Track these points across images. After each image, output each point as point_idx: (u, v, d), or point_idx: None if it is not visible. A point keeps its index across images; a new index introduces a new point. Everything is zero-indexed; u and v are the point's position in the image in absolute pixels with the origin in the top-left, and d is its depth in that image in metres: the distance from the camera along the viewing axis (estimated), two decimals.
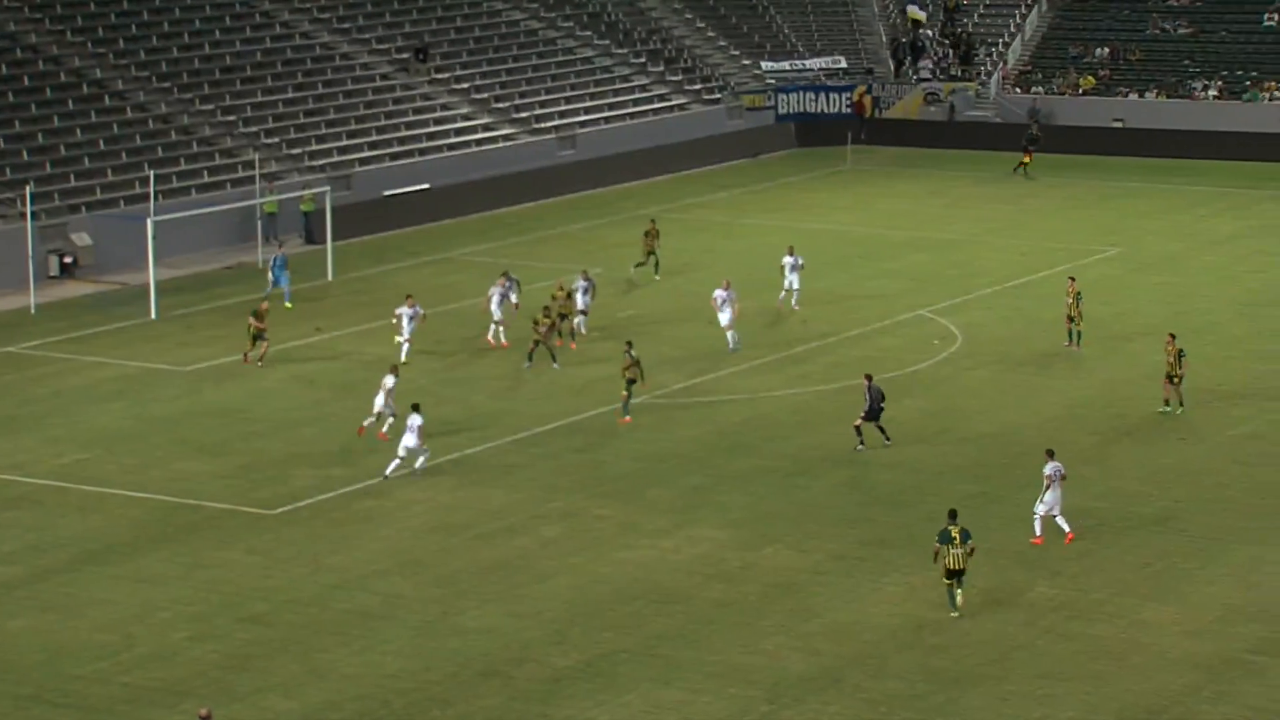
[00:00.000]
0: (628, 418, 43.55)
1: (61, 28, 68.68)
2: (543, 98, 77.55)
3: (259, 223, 62.56)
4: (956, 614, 32.28)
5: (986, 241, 64.10)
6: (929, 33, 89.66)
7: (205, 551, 35.56)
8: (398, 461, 39.53)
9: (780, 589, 33.62)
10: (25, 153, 62.17)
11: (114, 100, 66.57)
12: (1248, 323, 52.75)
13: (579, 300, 50.78)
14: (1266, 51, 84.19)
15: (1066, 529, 35.68)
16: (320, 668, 30.33)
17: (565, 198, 72.47)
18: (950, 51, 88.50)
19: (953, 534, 32.32)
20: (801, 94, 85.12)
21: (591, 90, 79.62)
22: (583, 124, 77.09)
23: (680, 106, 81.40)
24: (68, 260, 59.30)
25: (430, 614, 32.53)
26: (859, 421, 41.09)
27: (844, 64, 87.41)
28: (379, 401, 42.11)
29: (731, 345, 48.97)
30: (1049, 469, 35.82)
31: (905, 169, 78.90)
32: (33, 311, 54.91)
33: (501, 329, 49.97)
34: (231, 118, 68.21)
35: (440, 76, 75.95)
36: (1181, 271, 59.37)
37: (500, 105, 75.92)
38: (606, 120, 78.15)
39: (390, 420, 42.01)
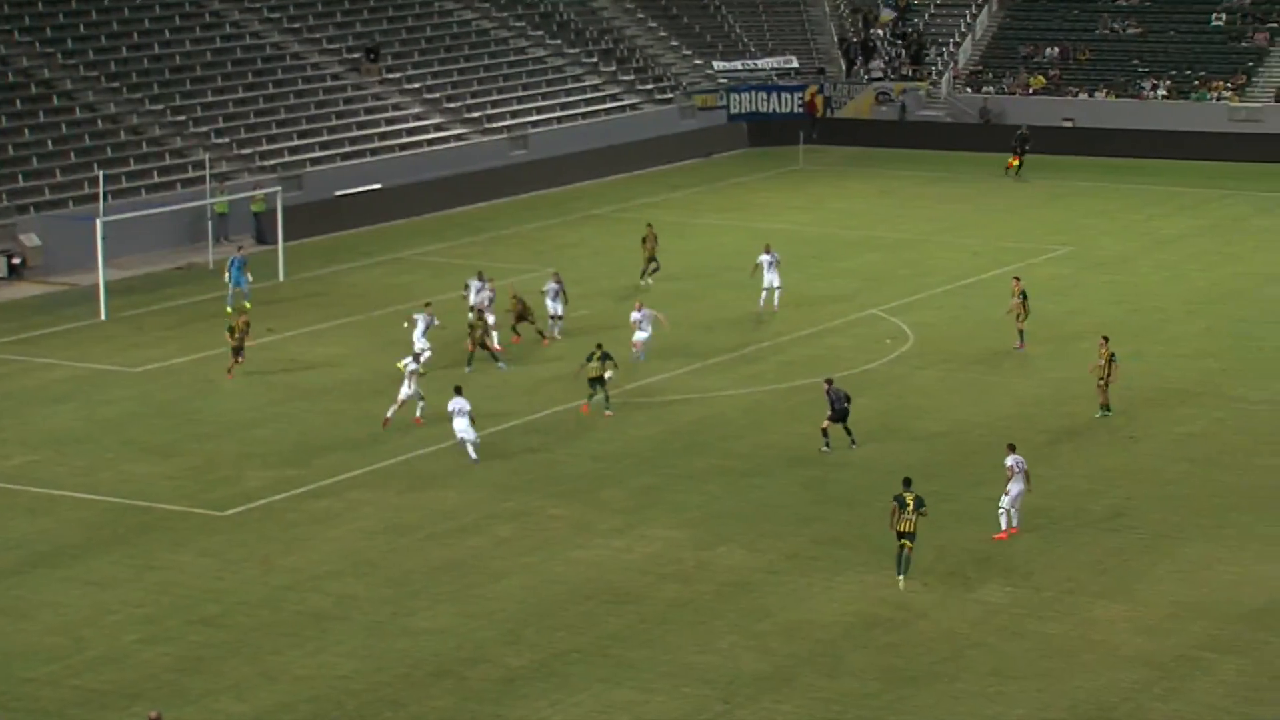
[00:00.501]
0: (608, 412, 43.95)
1: (9, 27, 68.27)
2: (495, 98, 77.47)
3: (209, 223, 62.31)
4: (903, 578, 33.34)
5: (938, 241, 64.32)
6: (880, 32, 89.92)
7: (156, 553, 35.40)
8: (469, 443, 40.36)
9: (734, 588, 33.65)
10: None
11: (63, 100, 66.22)
12: (1197, 321, 53.06)
13: (549, 304, 50.26)
14: (1214, 51, 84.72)
15: (1014, 523, 35.82)
16: (272, 669, 30.23)
17: (518, 198, 72.42)
18: (901, 51, 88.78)
19: (907, 499, 33.63)
20: (753, 94, 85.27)
21: (544, 90, 79.58)
22: (535, 124, 77.04)
23: (632, 106, 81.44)
24: (16, 261, 58.96)
25: (383, 614, 32.46)
26: (826, 424, 41.14)
27: (796, 64, 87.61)
28: (404, 390, 42.68)
29: (634, 356, 47.42)
30: (1009, 461, 35.96)
31: (857, 168, 79.11)
32: None
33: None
34: (181, 118, 67.92)
35: (392, 76, 75.80)
36: (1131, 270, 59.68)
37: (452, 105, 75.81)
38: (559, 120, 78.12)
39: (421, 405, 42.74)
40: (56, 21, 69.70)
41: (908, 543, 33.70)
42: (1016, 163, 75.65)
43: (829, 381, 41.59)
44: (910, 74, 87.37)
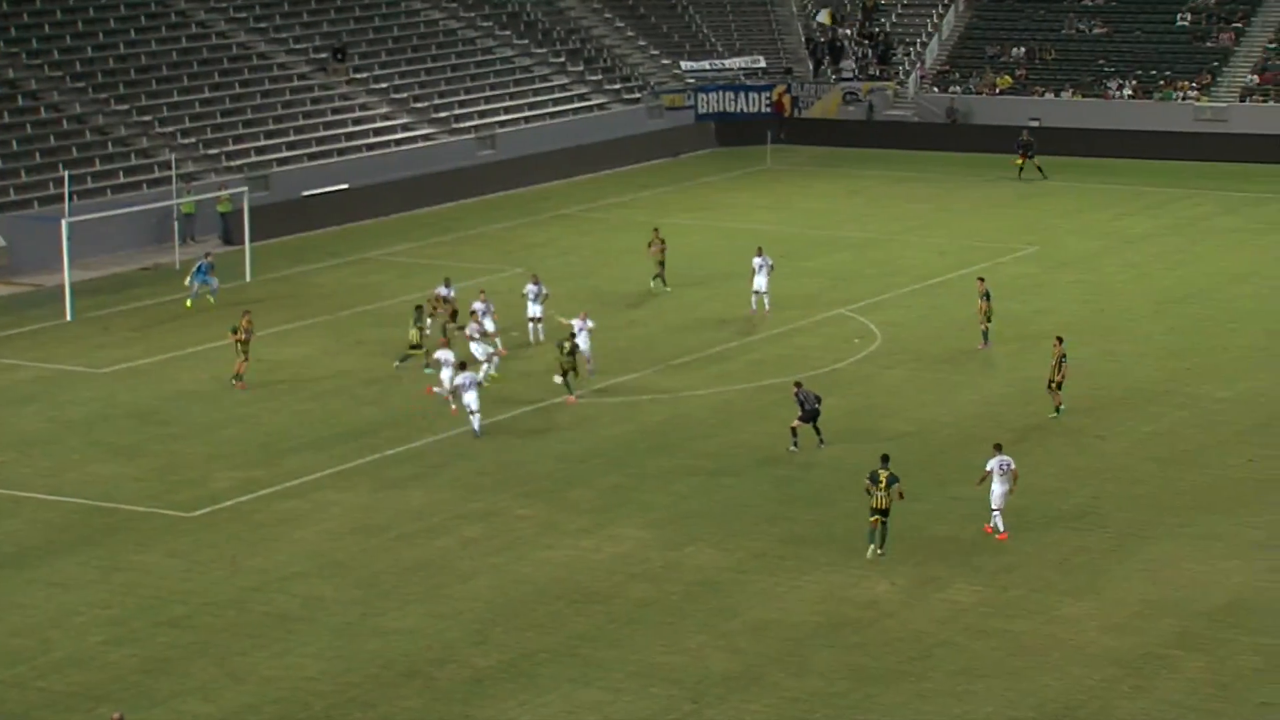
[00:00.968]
0: (572, 397, 44.34)
1: None
2: (462, 97, 77.39)
3: (176, 223, 62.13)
4: (881, 551, 34.49)
5: (905, 240, 64.44)
6: (847, 32, 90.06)
7: (123, 554, 35.27)
8: (475, 415, 41.94)
9: (702, 588, 33.67)
10: None
11: (27, 100, 65.94)
12: (1163, 320, 53.25)
13: (530, 307, 49.97)
14: (1180, 51, 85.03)
15: (998, 526, 35.87)
16: (239, 671, 30.14)
17: (485, 198, 72.36)
18: (868, 51, 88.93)
19: (880, 477, 34.58)
20: (721, 93, 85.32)
21: (511, 90, 79.52)
22: (502, 124, 76.98)
23: (600, 106, 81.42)
24: None
25: (351, 615, 32.39)
26: (795, 423, 41.19)
27: (763, 63, 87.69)
28: (446, 377, 43.36)
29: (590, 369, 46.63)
30: (992, 463, 35.95)
31: (825, 168, 79.21)
32: None
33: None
34: (147, 118, 67.70)
35: (358, 76, 75.66)
36: (1097, 270, 59.86)
37: (419, 105, 75.71)
38: (526, 120, 78.07)
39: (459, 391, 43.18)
40: (21, 21, 69.42)
41: (881, 519, 34.64)
42: (1020, 162, 75.42)
43: (798, 384, 41.63)
44: (878, 74, 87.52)
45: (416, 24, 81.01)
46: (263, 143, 69.40)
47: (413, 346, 47.24)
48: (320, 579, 34.05)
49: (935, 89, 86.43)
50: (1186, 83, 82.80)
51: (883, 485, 34.62)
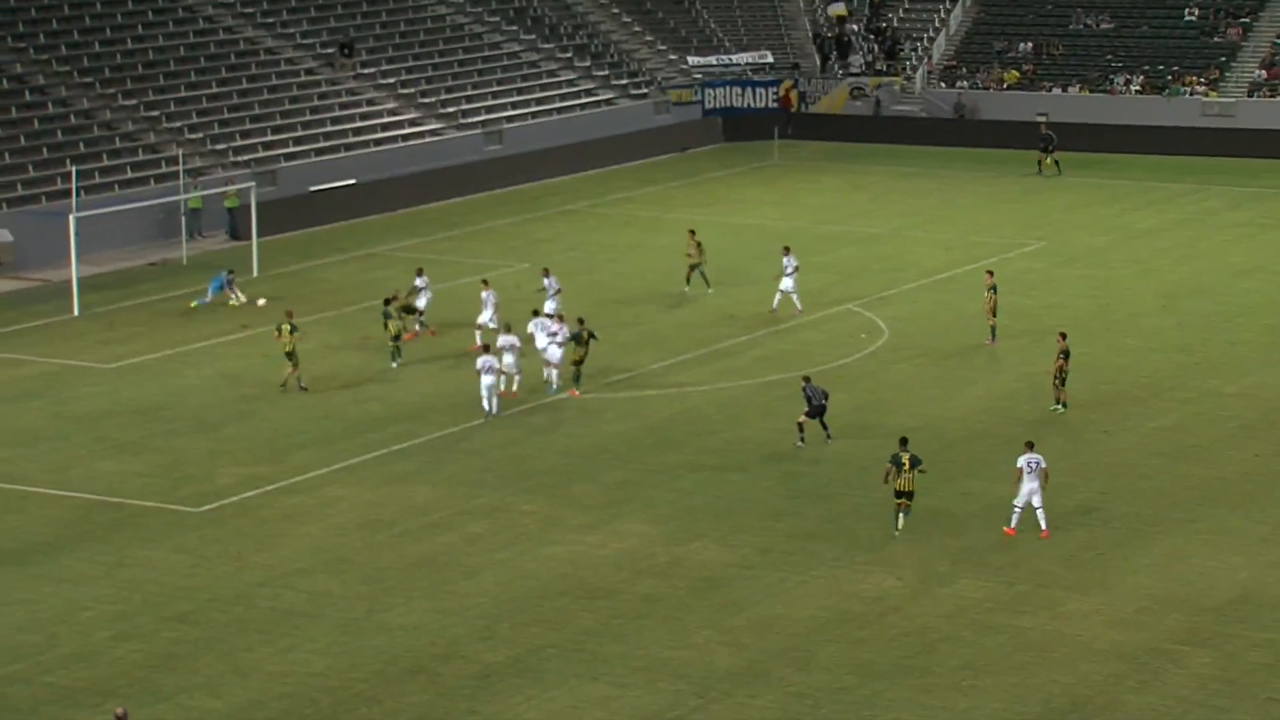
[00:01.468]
0: (568, 390, 44.53)
1: None
2: (469, 93, 77.37)
3: (183, 219, 62.15)
4: (897, 534, 35.15)
5: (912, 235, 64.39)
6: (854, 27, 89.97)
7: (129, 550, 35.29)
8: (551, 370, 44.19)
9: (707, 583, 33.65)
10: None
11: (35, 96, 65.98)
12: (1170, 315, 53.17)
13: (548, 303, 49.93)
14: (1188, 46, 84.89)
15: (1043, 525, 35.66)
16: (245, 666, 30.15)
17: (492, 193, 72.33)
18: (875, 46, 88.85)
19: (903, 459, 35.33)
20: (728, 89, 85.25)
21: (518, 85, 79.49)
22: (509, 119, 76.95)
23: (607, 101, 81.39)
24: None
25: (356, 611, 32.39)
26: (802, 419, 41.17)
27: (770, 59, 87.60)
28: (510, 362, 44.05)
29: (553, 387, 45.46)
30: (1022, 460, 35.79)
31: (831, 163, 79.15)
32: None
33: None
34: (155, 113, 67.73)
35: (366, 71, 75.65)
36: (1104, 265, 59.80)
37: (426, 100, 75.69)
38: (533, 115, 78.04)
39: (518, 378, 44.37)
40: (29, 17, 69.44)
41: (906, 500, 35.38)
42: (1045, 159, 75.26)
43: (806, 379, 41.61)
44: (885, 69, 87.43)
45: (424, 19, 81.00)
46: (270, 138, 69.41)
47: (394, 338, 47.52)
48: (326, 575, 34.06)
49: (942, 84, 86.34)
50: (1194, 78, 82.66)
51: (906, 467, 35.40)
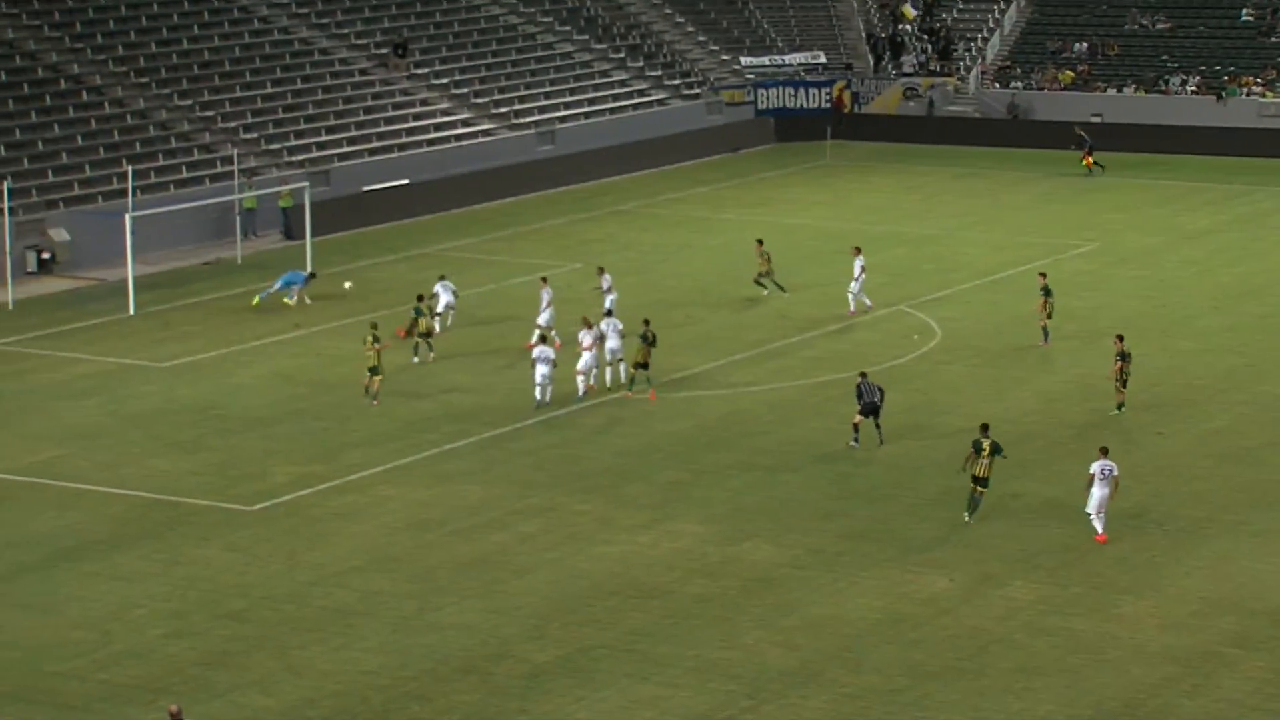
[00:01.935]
0: (637, 391, 44.59)
1: (39, 23, 68.51)
2: (522, 93, 77.52)
3: (237, 219, 62.47)
4: (969, 520, 35.76)
5: (964, 236, 64.21)
6: (908, 28, 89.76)
7: (182, 548, 35.49)
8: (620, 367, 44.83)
9: (759, 584, 33.63)
10: (2, 148, 62.00)
11: (92, 96, 66.43)
12: (1223, 317, 52.88)
13: (607, 301, 50.16)
14: (1244, 46, 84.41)
15: (1099, 528, 35.37)
16: (298, 665, 30.29)
17: (544, 193, 72.44)
18: (929, 46, 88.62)
19: (983, 445, 35.84)
20: (781, 89, 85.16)
21: (571, 85, 79.60)
22: (562, 119, 77.07)
23: (659, 102, 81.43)
24: (45, 256, 59.16)
25: (408, 610, 32.50)
26: (857, 419, 41.13)
27: (823, 59, 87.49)
28: (589, 358, 44.45)
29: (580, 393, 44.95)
30: (1094, 467, 35.50)
31: (883, 164, 78.98)
32: (10, 307, 54.78)
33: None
34: (210, 113, 68.09)
35: (419, 72, 75.89)
36: (1157, 266, 59.51)
37: (479, 100, 75.88)
38: (586, 115, 78.14)
39: (594, 371, 44.73)
40: (85, 17, 69.93)
41: (980, 488, 35.74)
42: (1089, 162, 75.05)
43: (863, 375, 41.65)
44: (938, 69, 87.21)
45: (477, 19, 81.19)
46: (324, 138, 69.70)
47: (423, 335, 47.89)
48: (377, 573, 34.18)
49: (996, 84, 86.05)
50: (1250, 79, 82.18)
51: (986, 453, 35.77)
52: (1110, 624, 31.83)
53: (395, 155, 70.56)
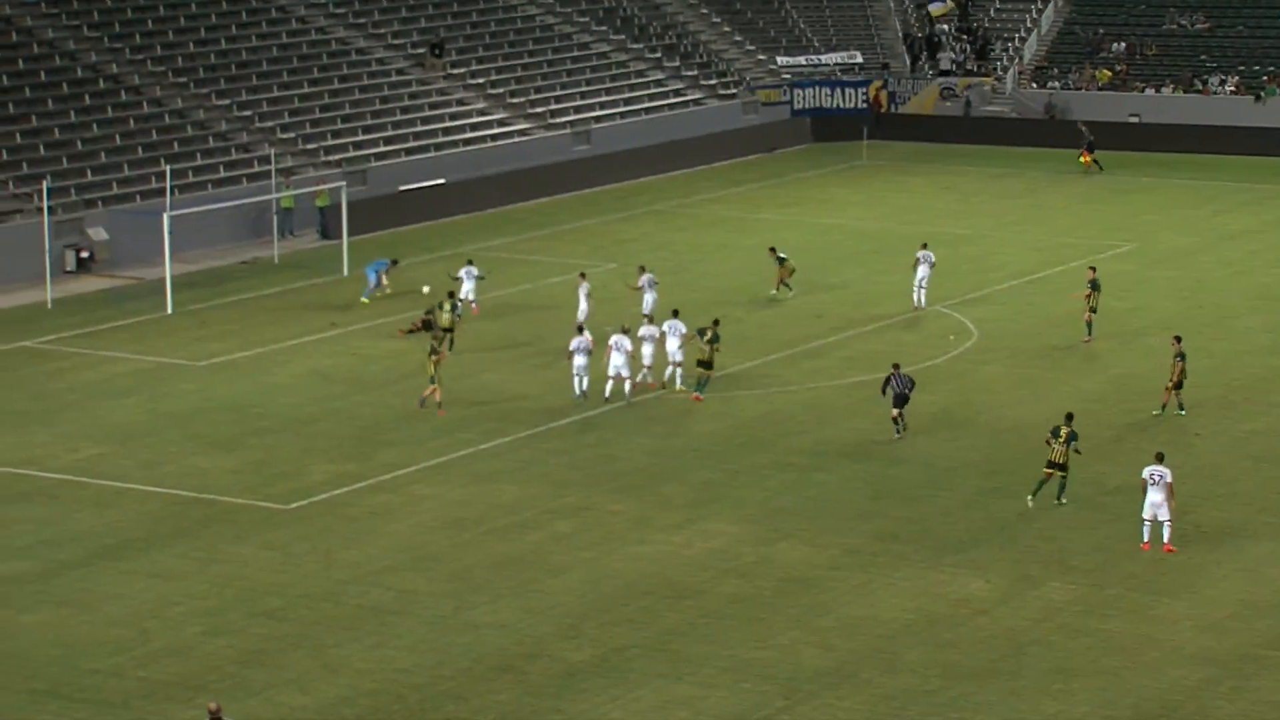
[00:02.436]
0: (688, 387, 44.64)
1: (78, 23, 68.82)
2: (558, 93, 77.59)
3: (275, 218, 62.67)
4: (1060, 501, 36.76)
5: (1000, 237, 64.06)
6: (945, 28, 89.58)
7: (220, 546, 35.63)
8: (675, 370, 44.97)
9: (794, 584, 33.62)
10: (42, 148, 62.31)
11: (130, 96, 66.70)
12: (1261, 318, 52.66)
13: (647, 300, 50.17)
14: None
15: (1164, 536, 35.04)
16: (334, 663, 30.38)
17: (580, 193, 72.49)
18: (966, 46, 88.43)
19: (1061, 432, 36.87)
20: (817, 89, 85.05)
21: (607, 85, 79.65)
22: (598, 119, 77.12)
23: (695, 101, 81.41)
24: (84, 255, 59.43)
25: (443, 609, 32.57)
26: (895, 412, 41.33)
27: (859, 59, 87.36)
28: (648, 352, 44.83)
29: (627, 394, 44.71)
30: (1146, 472, 35.23)
31: (920, 164, 78.84)
32: (49, 306, 55.04)
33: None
34: (247, 113, 68.32)
35: (456, 71, 76.02)
36: (1195, 267, 59.29)
37: (515, 100, 75.97)
38: (621, 115, 78.17)
39: (649, 370, 44.94)
40: (124, 18, 70.20)
41: (1054, 471, 36.77)
42: (1086, 160, 75.20)
43: (896, 367, 41.92)
44: (975, 69, 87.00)
45: (513, 19, 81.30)
46: (360, 138, 69.87)
47: (445, 329, 48.12)
48: (413, 572, 34.26)
49: (1033, 85, 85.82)
50: None
51: (1062, 440, 36.61)
52: (1148, 626, 31.74)
53: (431, 155, 70.69)
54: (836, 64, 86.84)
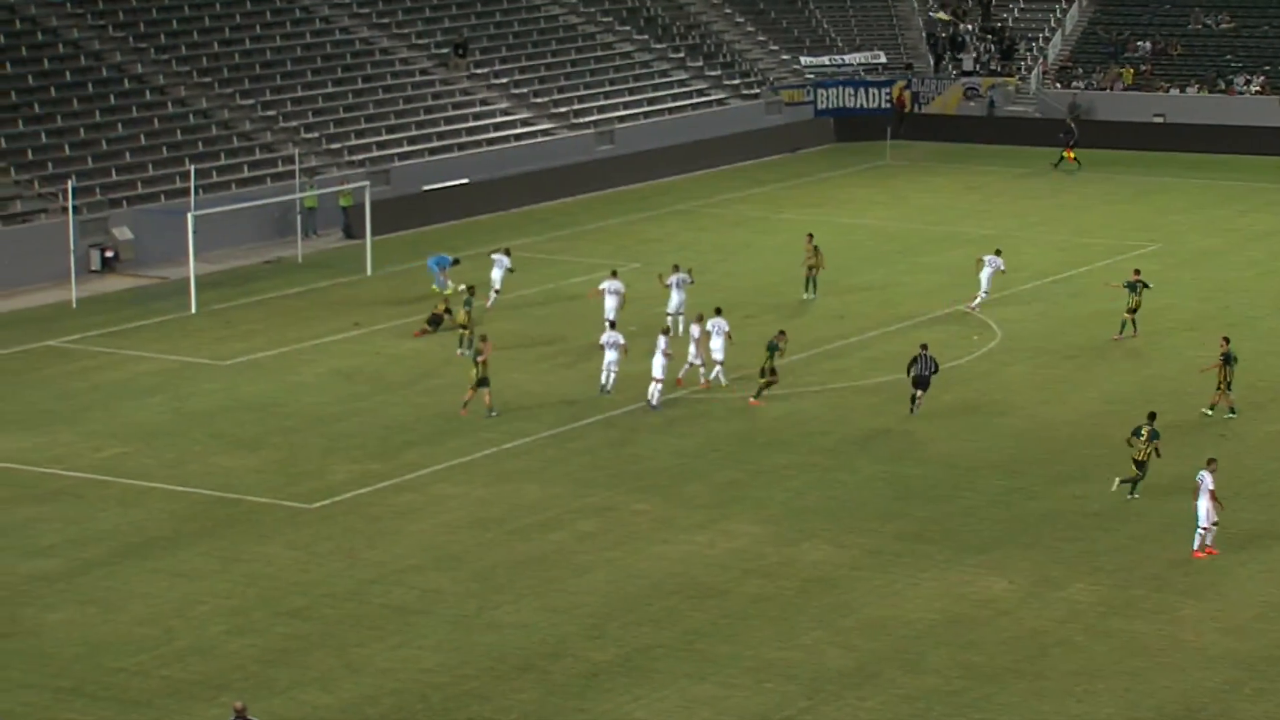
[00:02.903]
0: (755, 400, 44.62)
1: (103, 23, 69.01)
2: (581, 92, 77.61)
3: (298, 217, 62.78)
4: (1133, 496, 37.16)
5: (1024, 237, 63.93)
6: (969, 28, 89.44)
7: (244, 546, 35.70)
8: (717, 369, 45.18)
9: (817, 584, 33.61)
10: (67, 148, 62.49)
11: (154, 95, 66.86)
12: None
13: (674, 299, 50.14)
14: None
15: (1206, 543, 34.85)
16: (357, 662, 30.43)
17: (603, 193, 72.50)
18: (990, 47, 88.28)
19: (1143, 431, 37.32)
20: (840, 89, 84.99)
21: (630, 85, 79.66)
22: (621, 119, 77.12)
23: (719, 101, 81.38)
24: (108, 254, 59.58)
25: (467, 609, 32.61)
26: (917, 393, 42.36)
27: (883, 59, 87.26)
28: (691, 351, 45.37)
29: (654, 401, 44.27)
30: (1198, 476, 34.98)
31: (943, 164, 78.72)
32: (73, 305, 55.19)
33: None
34: (271, 112, 68.45)
35: (479, 71, 76.09)
36: (1221, 267, 59.14)
37: (539, 100, 76.01)
38: (645, 115, 78.16)
39: (701, 367, 45.31)
40: (149, 18, 70.37)
41: (1135, 472, 37.22)
42: (1070, 156, 75.27)
43: (923, 346, 42.83)
44: (999, 69, 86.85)
45: (537, 20, 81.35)
46: (384, 137, 69.96)
47: (461, 326, 48.42)
48: (436, 572, 34.31)
49: (1057, 85, 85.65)
50: None
51: (1144, 438, 37.01)
52: (1172, 627, 31.67)
53: (455, 155, 70.75)
54: (860, 64, 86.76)
